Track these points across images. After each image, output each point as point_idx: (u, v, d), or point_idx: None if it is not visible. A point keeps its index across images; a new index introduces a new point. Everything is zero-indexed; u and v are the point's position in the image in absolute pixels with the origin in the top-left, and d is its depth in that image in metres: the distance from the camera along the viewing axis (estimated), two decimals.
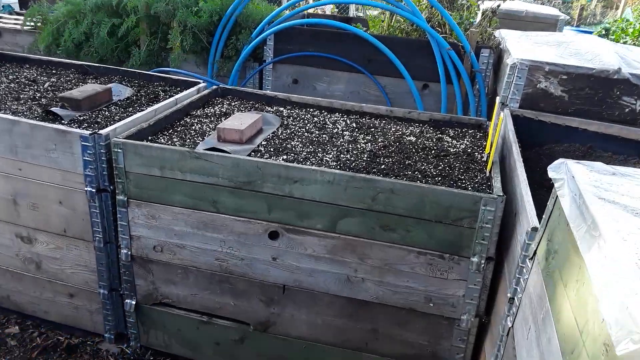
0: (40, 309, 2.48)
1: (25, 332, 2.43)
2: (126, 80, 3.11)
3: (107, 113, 2.54)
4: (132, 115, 2.45)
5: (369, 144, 2.40)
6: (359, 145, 2.38)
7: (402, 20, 3.87)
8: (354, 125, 2.65)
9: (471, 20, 4.21)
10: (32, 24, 3.97)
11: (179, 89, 3.02)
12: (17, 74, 3.01)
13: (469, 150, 2.41)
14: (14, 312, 2.54)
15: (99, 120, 2.43)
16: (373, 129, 2.60)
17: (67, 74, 3.12)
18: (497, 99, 2.53)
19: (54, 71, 3.14)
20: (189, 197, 2.09)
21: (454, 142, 2.50)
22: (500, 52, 3.62)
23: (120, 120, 2.39)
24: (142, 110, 2.58)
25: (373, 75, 3.72)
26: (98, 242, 2.26)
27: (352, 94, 3.85)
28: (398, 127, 2.66)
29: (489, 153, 2.25)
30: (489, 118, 3.53)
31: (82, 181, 2.16)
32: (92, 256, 2.30)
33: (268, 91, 3.03)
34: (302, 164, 2.12)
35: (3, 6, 5.87)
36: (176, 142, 2.28)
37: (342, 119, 2.75)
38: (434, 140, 2.50)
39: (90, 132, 2.10)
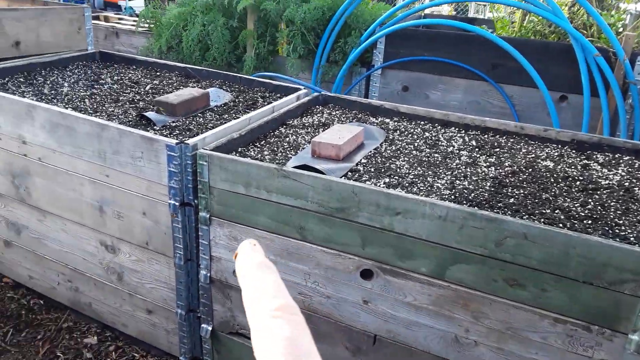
0: (120, 321, 2.38)
1: (103, 344, 2.34)
2: (227, 84, 2.96)
3: (201, 120, 2.38)
4: (225, 123, 2.26)
5: (493, 168, 1.96)
6: (479, 170, 1.95)
7: (538, 20, 3.32)
8: (474, 143, 2.22)
9: (623, 21, 3.52)
10: (146, 26, 4.03)
11: (278, 95, 2.80)
12: (122, 75, 3.00)
13: (626, 183, 1.86)
14: (95, 321, 2.48)
15: (191, 127, 2.26)
16: (498, 149, 2.15)
17: (170, 76, 3.05)
18: None
19: (157, 73, 3.10)
20: (274, 220, 1.82)
21: (605, 171, 1.96)
22: None
23: (213, 128, 2.21)
24: (238, 117, 2.39)
25: (497, 83, 3.22)
26: (178, 259, 2.08)
27: (470, 104, 3.38)
28: (530, 148, 2.18)
29: None
30: None
31: (166, 193, 1.99)
32: (172, 273, 2.13)
33: (373, 100, 2.69)
34: (407, 191, 1.75)
35: (126, 8, 6.27)
36: (267, 155, 2.03)
37: (459, 134, 2.32)
38: (579, 167, 1.98)
39: (177, 141, 1.92)
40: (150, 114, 2.30)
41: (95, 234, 2.28)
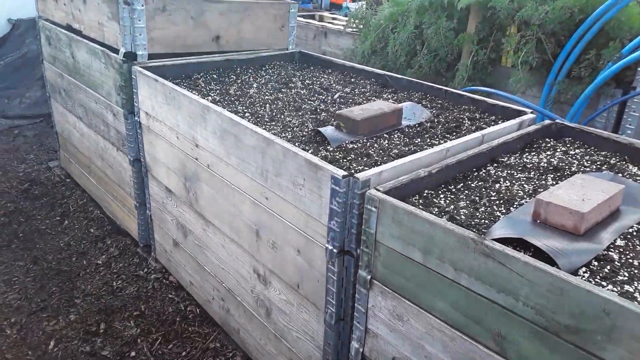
0: None
1: None
2: (428, 98, 2.42)
3: (385, 142, 1.89)
4: (414, 150, 1.74)
5: None
6: None
7: None
8: None
9: None
10: (354, 26, 3.71)
11: (493, 118, 2.16)
12: (314, 79, 2.70)
13: None
14: (241, 350, 2.24)
15: (370, 152, 1.79)
16: None
17: (365, 84, 2.64)
18: None
19: (352, 79, 2.72)
20: (459, 312, 1.24)
21: None
22: None
23: (397, 156, 1.70)
24: (432, 145, 1.84)
25: None
26: (329, 316, 1.65)
27: None
28: None
29: None
30: None
31: (325, 234, 1.57)
32: (320, 330, 1.71)
33: (635, 140, 1.85)
34: None
35: (343, 8, 6.16)
36: (462, 208, 1.44)
37: None
38: None
39: (345, 173, 1.46)
40: (325, 131, 1.90)
41: (249, 259, 1.99)
